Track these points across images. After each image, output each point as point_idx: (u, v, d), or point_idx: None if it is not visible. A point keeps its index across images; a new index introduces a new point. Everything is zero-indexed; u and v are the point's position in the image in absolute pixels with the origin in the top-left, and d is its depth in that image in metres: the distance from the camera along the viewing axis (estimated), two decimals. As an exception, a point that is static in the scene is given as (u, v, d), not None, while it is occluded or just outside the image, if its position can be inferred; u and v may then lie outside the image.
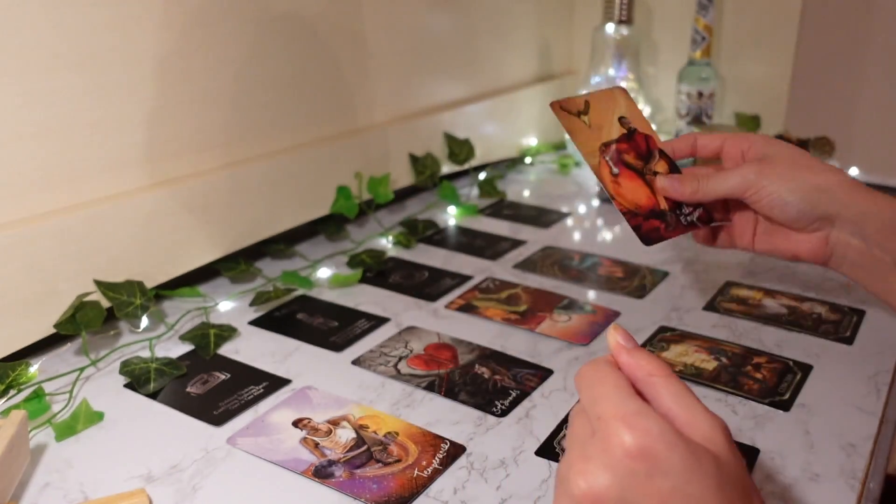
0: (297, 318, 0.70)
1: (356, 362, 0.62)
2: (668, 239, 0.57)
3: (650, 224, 0.56)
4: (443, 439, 0.52)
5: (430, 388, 0.58)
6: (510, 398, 0.57)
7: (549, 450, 0.51)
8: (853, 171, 1.15)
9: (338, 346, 0.65)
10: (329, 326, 0.68)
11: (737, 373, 0.60)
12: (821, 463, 0.50)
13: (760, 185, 0.54)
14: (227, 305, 0.72)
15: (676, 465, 0.31)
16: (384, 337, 0.66)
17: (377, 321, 0.69)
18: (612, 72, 1.14)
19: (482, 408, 0.56)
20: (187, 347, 0.65)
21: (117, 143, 0.65)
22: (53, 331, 0.61)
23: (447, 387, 0.58)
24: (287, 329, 0.68)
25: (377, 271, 0.80)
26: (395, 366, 0.61)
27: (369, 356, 0.63)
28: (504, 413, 0.55)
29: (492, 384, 0.59)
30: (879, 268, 0.54)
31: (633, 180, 0.57)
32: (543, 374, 0.60)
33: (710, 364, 0.61)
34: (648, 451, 0.31)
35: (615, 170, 0.57)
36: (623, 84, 1.14)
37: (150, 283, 0.67)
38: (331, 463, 0.50)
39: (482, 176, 1.07)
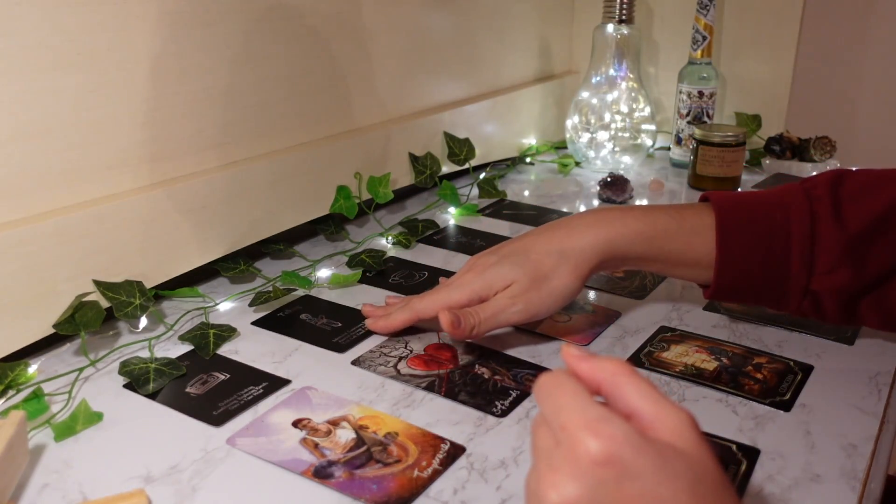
0: (300, 318, 0.70)
1: (356, 362, 0.62)
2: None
3: None
4: (443, 440, 0.52)
5: (429, 388, 0.58)
6: (510, 398, 0.57)
7: (550, 450, 0.51)
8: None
9: (341, 347, 0.64)
10: (332, 327, 0.68)
11: (737, 373, 0.60)
12: (821, 463, 0.49)
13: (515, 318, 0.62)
14: (227, 305, 0.72)
15: (645, 468, 0.31)
16: (384, 337, 0.66)
17: (377, 321, 0.69)
18: (612, 71, 1.14)
19: (482, 408, 0.56)
20: (187, 348, 0.65)
21: (116, 143, 0.65)
22: (52, 331, 0.61)
23: (447, 387, 0.58)
24: (289, 329, 0.68)
25: (377, 271, 0.79)
26: (395, 366, 0.61)
27: (369, 356, 0.63)
28: (504, 413, 0.55)
29: (492, 384, 0.58)
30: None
31: None
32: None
33: (710, 364, 0.61)
34: (615, 456, 0.31)
35: None
36: (623, 84, 1.14)
37: (149, 284, 0.67)
38: (330, 463, 0.49)
39: (482, 176, 1.06)
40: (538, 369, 0.61)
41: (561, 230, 0.62)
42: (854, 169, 0.60)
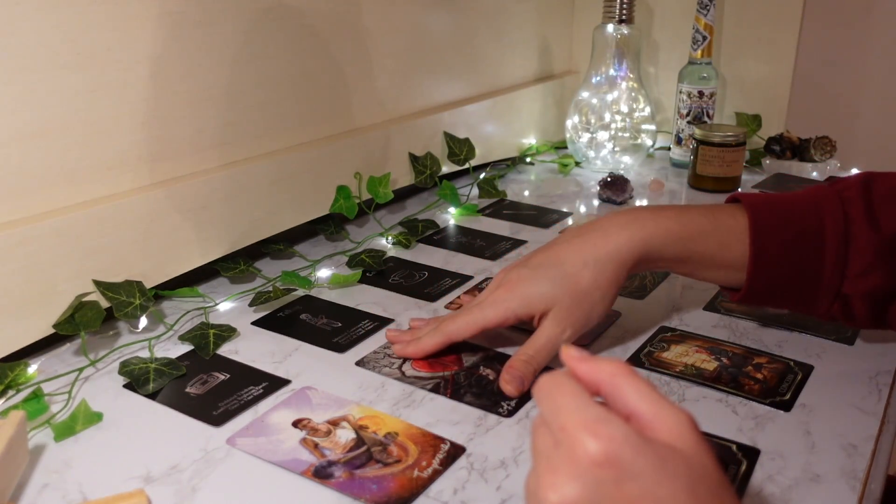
0: (300, 318, 0.70)
1: (360, 363, 0.62)
2: None
3: None
4: (443, 440, 0.52)
5: (435, 390, 0.58)
6: (515, 399, 0.57)
7: (550, 450, 0.51)
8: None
9: (341, 347, 0.64)
10: (332, 327, 0.68)
11: (737, 373, 0.60)
12: (822, 463, 0.49)
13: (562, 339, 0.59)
14: (227, 305, 0.72)
15: (644, 468, 0.31)
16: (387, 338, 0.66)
17: (381, 322, 0.69)
18: (612, 71, 1.14)
19: (489, 409, 0.56)
20: (187, 348, 0.65)
21: (116, 142, 0.65)
22: (52, 331, 0.61)
23: (452, 389, 0.58)
24: (289, 329, 0.68)
25: (377, 271, 0.79)
26: (400, 367, 0.61)
27: (373, 357, 0.63)
28: (511, 413, 0.55)
29: (497, 385, 0.58)
30: None
31: None
32: (544, 374, 0.60)
33: (710, 364, 0.61)
34: (614, 457, 0.31)
35: None
36: (623, 84, 1.14)
37: (149, 284, 0.67)
38: (330, 463, 0.49)
39: (482, 176, 1.06)
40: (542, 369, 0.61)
41: (593, 234, 0.59)
42: (882, 172, 0.59)
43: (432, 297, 0.74)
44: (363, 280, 0.78)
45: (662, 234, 0.58)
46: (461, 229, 0.92)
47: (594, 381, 0.35)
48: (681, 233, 0.58)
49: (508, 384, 0.57)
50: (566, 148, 1.21)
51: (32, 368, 0.59)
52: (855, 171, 1.15)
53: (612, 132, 1.15)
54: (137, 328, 0.68)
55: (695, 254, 0.59)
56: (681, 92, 1.15)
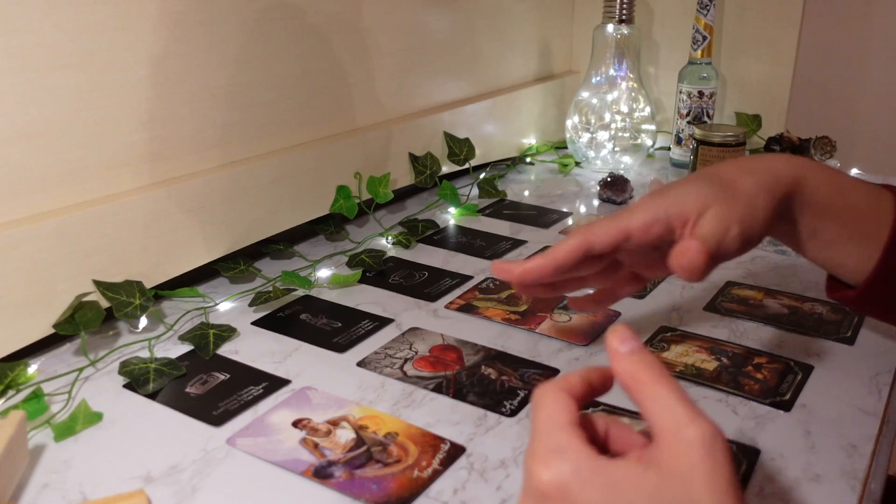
0: (300, 318, 0.70)
1: (361, 364, 0.62)
2: None
3: None
4: (443, 440, 0.52)
5: (437, 389, 0.58)
6: (519, 398, 0.57)
7: (550, 450, 0.51)
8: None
9: (341, 347, 0.64)
10: (332, 327, 0.68)
11: (737, 373, 0.60)
12: (822, 463, 0.49)
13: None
14: (227, 305, 0.72)
15: (592, 500, 0.31)
16: (388, 338, 0.66)
17: (381, 322, 0.69)
18: (612, 71, 1.14)
19: (491, 408, 0.56)
20: (186, 348, 0.65)
21: (116, 142, 0.65)
22: (52, 331, 0.61)
23: (455, 388, 0.58)
24: (288, 329, 0.68)
25: (377, 271, 0.79)
26: (402, 368, 0.61)
27: (374, 358, 0.63)
28: (514, 413, 0.55)
29: (499, 385, 0.58)
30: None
31: None
32: (550, 374, 0.60)
33: (710, 364, 0.61)
34: (562, 488, 0.32)
35: None
36: (623, 84, 1.14)
37: (149, 284, 0.67)
38: (330, 463, 0.49)
39: (482, 176, 1.06)
40: (544, 368, 0.61)
41: (741, 160, 0.51)
42: None
43: (432, 297, 0.74)
44: (363, 280, 0.78)
45: (819, 169, 0.51)
46: (461, 229, 0.92)
47: (625, 383, 0.35)
48: (836, 177, 0.52)
49: (687, 270, 0.46)
50: (566, 148, 1.21)
51: (32, 368, 0.59)
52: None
53: (612, 132, 1.15)
54: (137, 328, 0.68)
55: (844, 208, 0.51)
56: (681, 92, 1.15)
